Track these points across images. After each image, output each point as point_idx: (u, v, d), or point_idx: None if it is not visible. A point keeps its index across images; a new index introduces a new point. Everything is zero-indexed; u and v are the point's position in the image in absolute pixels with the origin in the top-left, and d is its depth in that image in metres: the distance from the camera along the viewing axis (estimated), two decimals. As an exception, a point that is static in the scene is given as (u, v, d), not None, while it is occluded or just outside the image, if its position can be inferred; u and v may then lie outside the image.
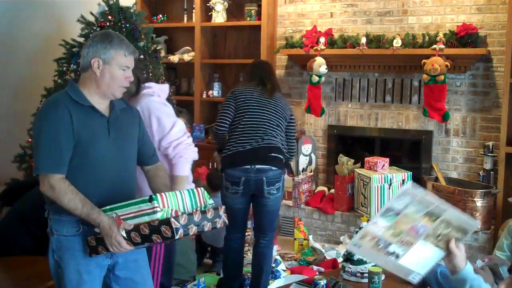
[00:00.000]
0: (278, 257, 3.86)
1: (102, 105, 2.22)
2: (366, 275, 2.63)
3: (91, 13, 4.35)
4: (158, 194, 2.10)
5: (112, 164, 2.21)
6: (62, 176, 2.10)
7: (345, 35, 4.79)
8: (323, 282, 2.45)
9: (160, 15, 5.70)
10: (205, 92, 5.49)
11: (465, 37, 4.29)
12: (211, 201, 2.25)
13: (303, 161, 5.04)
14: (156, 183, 2.40)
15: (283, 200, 4.83)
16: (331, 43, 4.80)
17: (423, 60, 4.32)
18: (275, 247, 3.96)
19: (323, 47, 4.71)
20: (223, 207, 2.25)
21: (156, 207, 2.06)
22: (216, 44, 5.62)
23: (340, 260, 3.69)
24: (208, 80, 5.59)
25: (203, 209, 2.19)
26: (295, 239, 4.48)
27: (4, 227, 3.30)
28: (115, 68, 2.17)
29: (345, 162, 4.66)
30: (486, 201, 4.11)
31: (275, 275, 3.67)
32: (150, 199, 2.07)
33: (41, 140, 2.09)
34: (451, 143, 4.61)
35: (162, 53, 5.26)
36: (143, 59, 4.26)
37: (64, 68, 4.27)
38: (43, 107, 2.19)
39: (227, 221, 2.23)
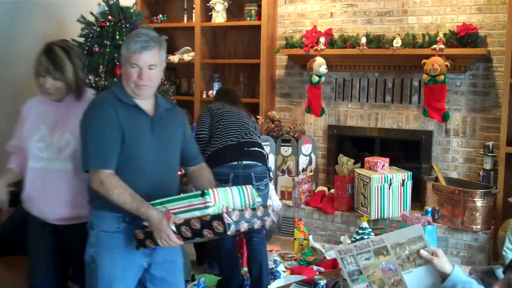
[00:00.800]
0: (277, 258, 3.86)
1: (145, 104, 2.24)
2: (366, 275, 2.62)
3: (91, 13, 4.35)
4: (209, 189, 2.09)
5: (155, 163, 2.21)
6: (111, 171, 2.11)
7: (345, 35, 4.79)
8: (323, 282, 2.45)
9: (160, 15, 5.70)
10: (205, 92, 5.49)
11: (465, 37, 4.29)
12: (259, 199, 2.25)
13: (303, 161, 5.04)
14: (202, 181, 2.43)
15: (283, 200, 4.84)
16: (331, 43, 4.80)
17: (423, 60, 4.32)
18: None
19: (323, 47, 4.71)
20: (272, 205, 2.32)
21: (208, 202, 2.06)
22: (216, 44, 5.62)
23: (340, 260, 3.68)
24: (208, 80, 5.58)
25: (252, 206, 2.19)
26: (295, 239, 4.48)
27: (9, 227, 3.30)
28: (127, 66, 2.18)
29: (345, 162, 4.66)
30: (486, 201, 4.11)
31: (275, 276, 3.67)
32: (203, 194, 2.07)
33: (89, 137, 2.12)
34: (451, 143, 4.61)
35: (162, 53, 5.26)
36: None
37: (64, 68, 4.26)
38: (90, 106, 2.20)
39: (275, 220, 2.26)
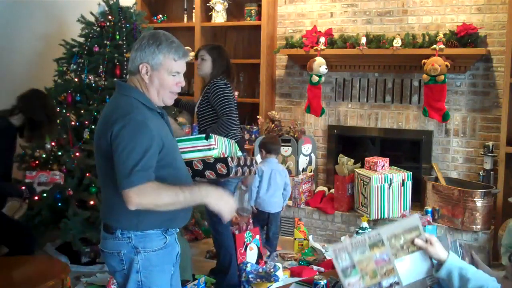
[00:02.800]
0: (277, 264, 3.87)
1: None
2: (366, 275, 2.62)
3: (91, 13, 4.35)
4: (212, 135, 2.30)
5: (181, 160, 2.20)
6: (152, 180, 1.96)
7: (345, 35, 4.79)
8: (323, 282, 2.45)
9: (160, 15, 5.71)
10: (205, 92, 5.49)
11: (465, 37, 4.29)
12: (240, 153, 2.47)
13: (303, 161, 5.05)
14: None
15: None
16: (331, 43, 4.80)
17: (423, 60, 4.32)
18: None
19: (323, 47, 4.72)
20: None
21: (213, 144, 2.26)
22: (216, 44, 5.62)
23: (340, 260, 3.69)
24: (208, 80, 5.58)
25: (237, 156, 2.42)
26: (295, 239, 4.48)
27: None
28: (164, 74, 2.04)
29: (345, 162, 4.66)
30: (486, 201, 4.11)
31: (274, 280, 3.67)
32: (207, 137, 2.27)
33: (133, 153, 1.91)
34: (451, 143, 4.61)
35: (162, 53, 5.26)
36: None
37: (64, 68, 4.27)
38: (129, 115, 1.95)
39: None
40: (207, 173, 2.24)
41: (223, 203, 2.02)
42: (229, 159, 2.27)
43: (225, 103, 3.47)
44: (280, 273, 3.74)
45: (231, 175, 2.24)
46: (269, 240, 4.27)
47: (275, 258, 4.14)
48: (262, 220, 4.23)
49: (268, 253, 4.19)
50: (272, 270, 3.70)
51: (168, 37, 2.06)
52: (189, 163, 2.18)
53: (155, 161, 1.97)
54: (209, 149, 2.25)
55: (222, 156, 2.28)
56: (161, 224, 2.05)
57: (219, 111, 3.47)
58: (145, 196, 1.91)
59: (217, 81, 3.57)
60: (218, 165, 2.25)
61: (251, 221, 4.18)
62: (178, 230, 2.17)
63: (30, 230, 3.58)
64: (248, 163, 2.46)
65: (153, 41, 2.03)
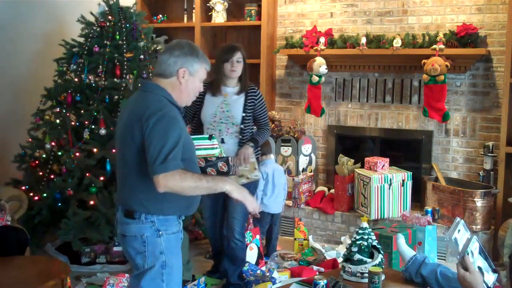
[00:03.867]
0: (273, 268, 3.87)
1: None
2: (366, 275, 2.62)
3: (91, 13, 4.35)
4: (214, 135, 2.64)
5: (196, 161, 2.44)
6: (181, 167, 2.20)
7: (345, 35, 4.79)
8: (323, 282, 2.45)
9: (160, 15, 5.70)
10: (205, 92, 5.49)
11: (465, 37, 4.29)
12: (224, 155, 2.78)
13: (303, 161, 5.05)
14: None
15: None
16: (331, 43, 4.80)
17: (423, 60, 4.32)
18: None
19: (323, 47, 4.72)
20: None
21: (215, 144, 2.55)
22: (216, 44, 5.61)
23: (340, 260, 3.69)
24: (208, 80, 5.58)
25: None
26: (295, 239, 4.48)
27: None
28: (196, 80, 2.35)
29: (345, 162, 4.66)
30: (486, 201, 4.11)
31: (272, 282, 3.68)
32: (210, 137, 2.56)
33: (167, 143, 2.15)
34: (451, 143, 4.61)
35: (162, 53, 5.26)
36: (143, 59, 4.26)
37: (64, 68, 4.27)
38: (162, 111, 2.19)
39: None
40: (209, 170, 2.43)
41: (245, 192, 2.30)
42: (230, 158, 2.46)
43: (267, 111, 3.62)
44: (276, 274, 3.75)
45: (230, 173, 2.45)
46: (271, 241, 4.27)
47: (275, 258, 4.14)
48: (266, 222, 4.23)
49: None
50: (268, 274, 3.71)
51: (199, 49, 2.38)
52: None
53: (181, 152, 2.20)
54: (212, 148, 2.51)
55: (220, 155, 2.49)
56: (179, 211, 2.31)
57: (264, 118, 3.53)
58: (174, 180, 2.13)
59: (254, 86, 3.55)
60: (220, 164, 2.45)
61: (251, 221, 4.18)
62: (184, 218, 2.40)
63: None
64: (236, 163, 2.71)
65: (193, 51, 2.33)
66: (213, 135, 2.60)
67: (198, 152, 2.44)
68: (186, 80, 2.31)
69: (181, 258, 2.38)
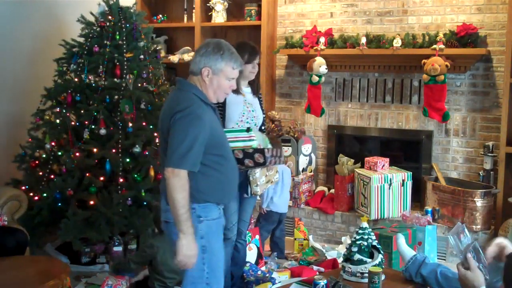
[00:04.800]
0: (273, 268, 3.87)
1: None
2: (366, 275, 2.63)
3: (91, 13, 4.35)
4: (251, 128, 2.72)
5: (232, 156, 2.55)
6: (187, 174, 2.31)
7: (345, 35, 4.79)
8: (323, 282, 2.45)
9: (160, 15, 5.70)
10: (205, 92, 5.49)
11: (465, 37, 4.29)
12: (269, 146, 2.81)
13: (303, 161, 5.04)
14: None
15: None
16: (331, 43, 4.80)
17: (423, 60, 4.32)
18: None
19: (323, 47, 4.71)
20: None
21: (253, 136, 2.62)
22: (216, 44, 5.62)
23: (340, 260, 3.70)
24: (208, 80, 5.58)
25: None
26: (295, 239, 4.48)
27: None
28: (222, 78, 2.43)
29: (345, 162, 4.66)
30: (486, 201, 4.11)
31: (272, 282, 3.68)
32: (248, 130, 2.64)
33: (186, 139, 2.27)
34: (451, 143, 4.61)
35: (162, 53, 5.26)
36: (143, 59, 4.26)
37: (64, 68, 4.27)
38: (188, 108, 2.32)
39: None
40: (247, 161, 2.58)
41: (187, 253, 2.28)
42: (266, 150, 2.58)
43: None
44: (275, 274, 3.75)
45: (266, 164, 2.57)
46: (277, 240, 4.27)
47: (276, 258, 4.14)
48: (273, 222, 4.23)
49: (275, 253, 4.20)
50: (268, 275, 3.71)
51: (229, 48, 2.45)
52: (231, 151, 2.52)
53: (202, 151, 2.32)
54: (250, 140, 2.60)
55: (259, 147, 2.58)
56: (216, 199, 2.44)
57: (264, 120, 3.49)
58: (174, 180, 2.26)
59: None
60: (256, 155, 2.59)
61: (252, 221, 4.19)
62: (228, 203, 2.59)
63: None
64: (279, 154, 2.80)
65: (217, 49, 2.41)
66: (251, 128, 2.66)
67: (236, 144, 2.58)
68: (210, 78, 2.41)
69: (222, 243, 2.50)
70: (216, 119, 2.52)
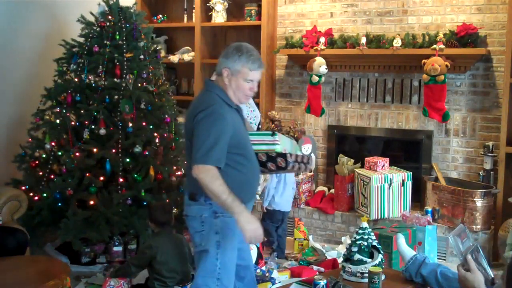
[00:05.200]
0: (272, 267, 3.87)
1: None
2: (366, 275, 2.63)
3: (91, 13, 4.35)
4: (277, 132, 2.77)
5: (254, 157, 2.61)
6: (218, 166, 2.40)
7: (345, 35, 4.79)
8: (323, 282, 2.45)
9: (160, 15, 5.70)
10: (205, 92, 5.48)
11: (465, 37, 4.29)
12: (299, 152, 2.83)
13: (303, 161, 5.04)
14: None
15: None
16: (331, 43, 4.80)
17: (423, 60, 4.32)
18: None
19: (323, 47, 4.71)
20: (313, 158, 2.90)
21: (277, 140, 2.65)
22: (216, 44, 5.62)
23: (340, 260, 3.69)
24: (208, 80, 5.58)
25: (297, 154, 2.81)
26: (295, 239, 4.48)
27: None
28: (240, 79, 2.50)
29: (345, 162, 4.66)
30: (486, 201, 4.11)
31: (271, 282, 3.68)
32: (273, 134, 2.68)
33: (209, 137, 2.37)
34: (451, 143, 4.61)
35: (162, 53, 5.27)
36: (143, 59, 4.26)
37: (64, 68, 4.27)
38: (209, 111, 2.41)
39: (312, 168, 2.95)
40: (269, 164, 2.63)
41: (250, 226, 2.35)
42: (288, 155, 2.63)
43: None
44: (275, 274, 3.75)
45: (288, 169, 2.62)
46: (278, 239, 4.27)
47: (275, 258, 4.14)
48: (277, 220, 4.23)
49: (275, 253, 4.20)
50: (267, 275, 3.71)
51: (248, 50, 2.51)
52: (255, 154, 2.61)
53: (226, 148, 2.40)
54: (273, 144, 2.62)
55: (283, 151, 2.63)
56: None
57: None
58: (206, 176, 2.35)
59: None
60: (279, 159, 2.62)
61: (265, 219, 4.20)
62: (246, 203, 2.54)
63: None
64: (305, 160, 2.84)
65: (236, 51, 2.50)
66: (276, 132, 2.73)
67: (260, 147, 2.64)
68: (229, 79, 2.50)
69: (236, 240, 2.54)
70: (239, 119, 2.59)
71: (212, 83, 2.57)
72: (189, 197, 2.55)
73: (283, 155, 2.64)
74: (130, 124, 4.01)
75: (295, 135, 5.03)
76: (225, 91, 2.52)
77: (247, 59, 2.49)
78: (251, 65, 2.49)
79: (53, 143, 4.07)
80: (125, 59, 4.13)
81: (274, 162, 2.64)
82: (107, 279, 3.43)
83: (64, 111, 4.09)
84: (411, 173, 4.52)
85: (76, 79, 4.17)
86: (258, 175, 2.68)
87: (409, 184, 4.48)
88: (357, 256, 2.70)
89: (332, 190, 4.86)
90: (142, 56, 4.25)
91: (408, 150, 4.95)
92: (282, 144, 2.72)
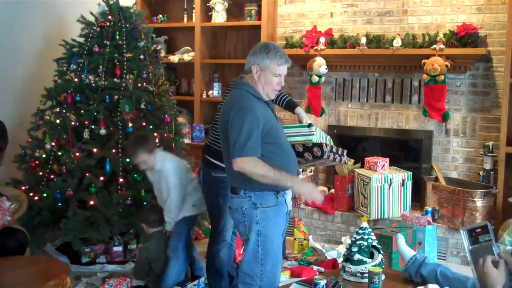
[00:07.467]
0: None
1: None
2: (366, 275, 2.63)
3: (91, 13, 4.35)
4: (313, 124, 2.93)
5: (286, 140, 2.77)
6: (256, 155, 2.57)
7: (345, 35, 4.79)
8: (323, 282, 2.45)
9: (160, 15, 5.70)
10: (205, 92, 5.49)
11: (465, 37, 4.29)
12: (332, 144, 2.99)
13: (303, 161, 5.04)
14: None
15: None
16: (331, 43, 4.80)
17: (423, 60, 4.32)
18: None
19: (323, 47, 4.72)
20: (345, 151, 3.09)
21: (313, 131, 2.83)
22: (216, 44, 5.63)
23: (340, 260, 3.69)
24: (208, 80, 5.59)
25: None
26: (295, 239, 4.48)
27: None
28: (269, 74, 2.67)
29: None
30: (486, 201, 4.11)
31: None
32: (309, 125, 2.86)
33: (243, 130, 2.53)
34: (451, 143, 4.61)
35: (162, 53, 5.27)
36: (143, 59, 4.26)
37: (64, 68, 4.27)
38: (241, 107, 2.59)
39: (346, 161, 3.14)
40: (306, 154, 2.77)
41: (304, 189, 2.70)
42: (324, 144, 2.77)
43: None
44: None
45: (324, 157, 2.74)
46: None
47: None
48: None
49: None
50: None
51: (275, 47, 2.69)
52: (292, 145, 2.76)
53: (260, 139, 2.57)
54: (310, 135, 2.79)
55: (319, 142, 2.77)
56: (269, 187, 2.62)
57: None
58: (248, 165, 2.53)
59: None
60: (315, 149, 2.77)
61: None
62: (287, 193, 2.74)
63: None
64: (340, 152, 2.97)
65: (264, 48, 2.68)
66: (312, 124, 2.87)
67: (296, 138, 2.82)
68: (259, 75, 2.67)
69: (279, 228, 2.71)
70: (270, 112, 2.73)
71: (240, 82, 2.75)
72: (230, 190, 2.71)
73: (319, 145, 2.78)
74: (130, 124, 4.01)
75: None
76: (254, 87, 2.69)
77: (275, 55, 2.65)
78: (279, 60, 2.65)
79: (53, 143, 4.07)
80: (125, 59, 4.14)
81: (310, 152, 2.78)
82: (108, 278, 3.44)
83: (64, 111, 4.09)
84: (411, 173, 4.52)
85: (76, 79, 4.17)
86: (295, 163, 2.79)
87: (409, 184, 4.49)
88: (357, 256, 2.70)
89: (332, 190, 4.86)
90: (142, 56, 4.25)
91: (408, 150, 4.96)
92: (318, 135, 2.85)
